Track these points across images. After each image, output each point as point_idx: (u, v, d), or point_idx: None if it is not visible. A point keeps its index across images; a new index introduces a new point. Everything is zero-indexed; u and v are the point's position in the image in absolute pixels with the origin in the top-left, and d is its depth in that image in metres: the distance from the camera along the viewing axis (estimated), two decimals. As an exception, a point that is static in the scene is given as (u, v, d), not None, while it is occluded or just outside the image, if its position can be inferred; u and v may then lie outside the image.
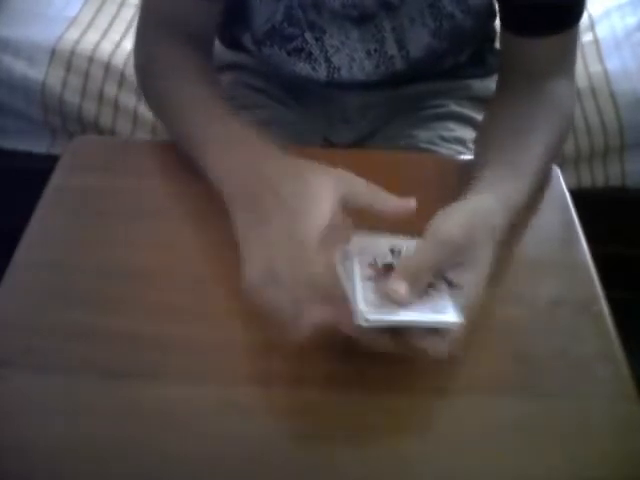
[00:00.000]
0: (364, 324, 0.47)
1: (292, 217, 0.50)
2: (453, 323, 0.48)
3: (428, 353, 0.49)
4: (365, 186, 0.53)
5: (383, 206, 0.52)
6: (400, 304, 0.48)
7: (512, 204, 0.58)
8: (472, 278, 0.51)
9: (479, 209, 0.55)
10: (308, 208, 0.50)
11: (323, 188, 0.51)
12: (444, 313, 0.49)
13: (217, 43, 0.86)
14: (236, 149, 0.59)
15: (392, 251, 0.53)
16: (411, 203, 0.52)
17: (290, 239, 0.49)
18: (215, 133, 0.62)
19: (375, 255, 0.52)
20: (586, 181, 1.26)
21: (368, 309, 0.47)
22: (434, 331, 0.48)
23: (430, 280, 0.50)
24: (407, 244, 0.53)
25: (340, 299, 0.48)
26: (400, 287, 0.48)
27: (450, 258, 0.51)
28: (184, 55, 0.70)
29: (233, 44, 0.86)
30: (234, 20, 0.81)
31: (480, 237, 0.52)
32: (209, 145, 0.61)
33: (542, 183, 0.66)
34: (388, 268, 0.51)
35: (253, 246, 0.51)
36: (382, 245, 0.53)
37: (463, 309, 0.49)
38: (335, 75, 0.79)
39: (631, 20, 1.35)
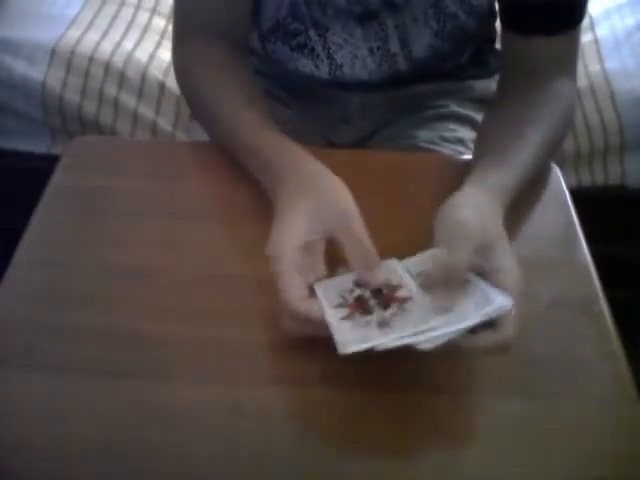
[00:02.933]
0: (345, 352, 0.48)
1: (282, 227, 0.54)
2: (500, 307, 0.48)
3: (488, 351, 0.49)
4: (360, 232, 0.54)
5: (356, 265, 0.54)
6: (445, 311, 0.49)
7: (505, 190, 0.59)
8: (503, 262, 0.52)
9: (482, 204, 0.56)
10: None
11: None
12: (486, 305, 0.48)
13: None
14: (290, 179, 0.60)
15: (358, 285, 0.54)
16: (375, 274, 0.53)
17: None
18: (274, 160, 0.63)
19: (341, 294, 0.53)
20: (586, 180, 1.26)
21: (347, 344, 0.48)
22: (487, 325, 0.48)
23: (464, 276, 0.51)
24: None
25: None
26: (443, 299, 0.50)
27: (475, 253, 0.52)
28: (222, 60, 0.71)
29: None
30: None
31: (495, 229, 0.54)
32: (269, 171, 0.63)
33: (540, 172, 0.66)
34: (361, 299, 0.53)
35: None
36: (344, 282, 0.54)
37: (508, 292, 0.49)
38: (337, 72, 0.79)
39: (631, 20, 1.35)
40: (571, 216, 0.66)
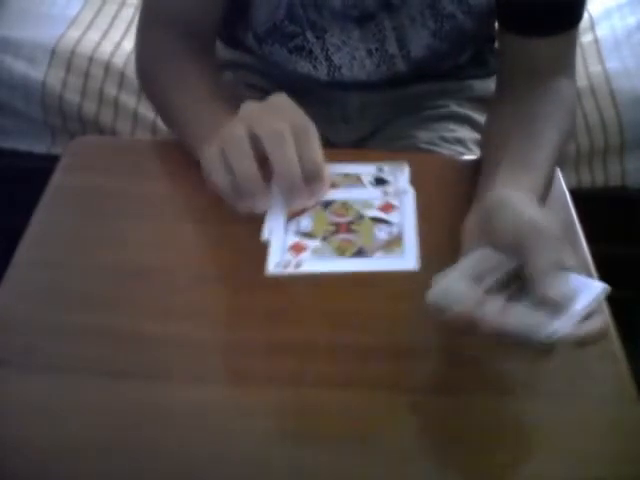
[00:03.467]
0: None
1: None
2: (598, 291, 0.48)
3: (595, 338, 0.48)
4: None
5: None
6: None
7: (538, 189, 0.58)
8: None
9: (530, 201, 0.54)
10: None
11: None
12: (588, 289, 0.48)
13: (219, 42, 0.85)
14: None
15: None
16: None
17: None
18: (207, 128, 0.63)
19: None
20: (586, 181, 1.26)
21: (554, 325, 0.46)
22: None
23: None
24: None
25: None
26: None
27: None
28: (185, 55, 0.71)
29: (233, 42, 0.86)
30: (235, 18, 0.81)
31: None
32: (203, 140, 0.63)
33: (551, 184, 0.66)
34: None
35: (217, 135, 0.58)
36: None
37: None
38: (336, 74, 0.79)
39: (631, 20, 1.35)
40: (571, 216, 0.66)
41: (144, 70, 0.75)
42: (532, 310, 0.47)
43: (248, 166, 0.56)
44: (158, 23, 0.73)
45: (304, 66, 0.79)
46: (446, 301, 0.47)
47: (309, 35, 0.76)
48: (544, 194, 0.60)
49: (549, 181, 0.62)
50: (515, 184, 0.57)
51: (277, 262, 0.57)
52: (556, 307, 0.47)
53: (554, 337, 0.46)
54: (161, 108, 0.74)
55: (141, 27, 0.75)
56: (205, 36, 0.75)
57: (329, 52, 0.77)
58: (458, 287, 0.48)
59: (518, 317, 0.47)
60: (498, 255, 0.50)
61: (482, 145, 0.76)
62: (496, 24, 0.81)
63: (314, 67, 0.79)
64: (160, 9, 0.73)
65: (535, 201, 0.55)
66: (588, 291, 0.48)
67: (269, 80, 0.86)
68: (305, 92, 0.85)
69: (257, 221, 0.62)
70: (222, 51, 0.87)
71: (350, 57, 0.77)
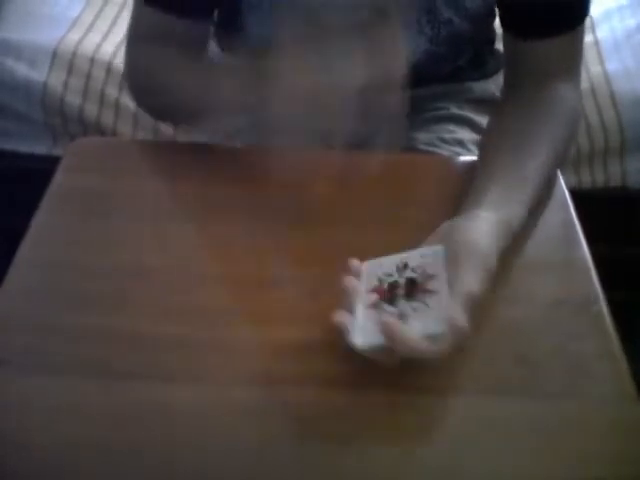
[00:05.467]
0: (359, 347, 0.50)
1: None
2: (434, 333, 0.50)
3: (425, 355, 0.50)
4: None
5: None
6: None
7: (511, 230, 0.59)
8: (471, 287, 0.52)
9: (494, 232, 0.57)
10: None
11: None
12: (429, 323, 0.50)
13: (215, 46, 0.85)
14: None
15: (397, 267, 0.55)
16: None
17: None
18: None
19: (380, 276, 0.55)
20: (586, 181, 1.26)
21: (361, 335, 0.50)
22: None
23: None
24: (411, 255, 0.55)
25: None
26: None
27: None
28: (178, 55, 0.70)
29: (231, 48, 0.86)
30: (233, 32, 0.81)
31: (466, 262, 0.54)
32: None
33: (546, 191, 0.67)
34: (393, 286, 0.54)
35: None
36: (389, 264, 0.56)
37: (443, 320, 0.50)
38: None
39: (631, 22, 1.35)
40: (571, 216, 0.66)
41: (137, 84, 0.74)
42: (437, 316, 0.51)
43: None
44: (147, 38, 0.71)
45: None
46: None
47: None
48: (533, 209, 0.62)
49: (539, 196, 0.64)
50: (497, 208, 0.59)
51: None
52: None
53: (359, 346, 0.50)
54: (166, 101, 0.71)
55: (130, 44, 0.74)
56: (194, 50, 0.73)
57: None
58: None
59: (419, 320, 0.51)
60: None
61: (479, 146, 0.76)
62: (496, 24, 0.81)
63: None
64: (149, 26, 0.71)
65: (505, 228, 0.58)
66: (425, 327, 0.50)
67: None
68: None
69: (258, 221, 0.62)
70: (221, 57, 0.87)
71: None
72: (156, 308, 0.57)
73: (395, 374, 0.52)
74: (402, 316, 0.51)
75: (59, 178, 0.68)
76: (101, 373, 0.52)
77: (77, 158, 0.72)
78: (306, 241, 0.61)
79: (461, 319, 0.50)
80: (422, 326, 0.50)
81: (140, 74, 0.74)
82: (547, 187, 0.67)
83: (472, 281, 0.52)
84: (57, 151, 1.25)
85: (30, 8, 1.33)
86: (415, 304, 0.52)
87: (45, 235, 0.63)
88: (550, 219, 0.66)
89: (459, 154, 0.82)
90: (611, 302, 0.58)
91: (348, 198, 0.65)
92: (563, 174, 0.70)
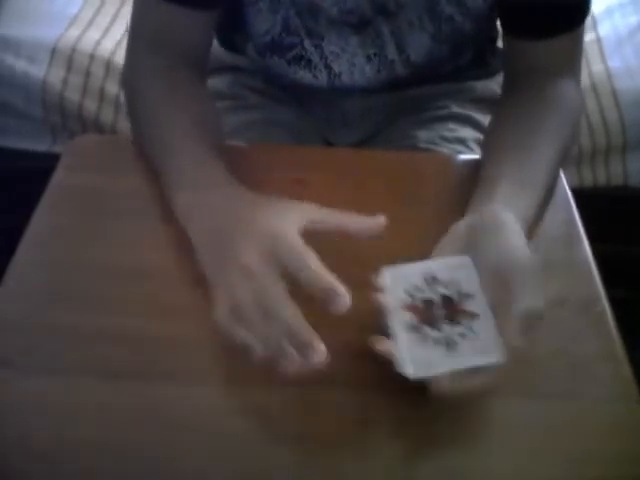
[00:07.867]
0: (411, 378, 0.48)
1: (260, 247, 0.51)
2: (494, 363, 0.49)
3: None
4: (330, 212, 0.54)
5: (351, 226, 0.53)
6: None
7: (527, 227, 0.58)
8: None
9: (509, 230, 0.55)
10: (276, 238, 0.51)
11: (288, 220, 0.52)
12: (485, 352, 0.49)
13: (216, 45, 0.85)
14: (205, 193, 0.60)
15: (426, 280, 0.53)
16: (379, 220, 0.53)
17: (257, 272, 0.50)
18: (187, 179, 0.62)
19: (408, 289, 0.52)
20: (588, 180, 1.26)
21: (411, 365, 0.48)
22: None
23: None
24: (438, 267, 0.53)
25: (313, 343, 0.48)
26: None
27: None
28: (174, 78, 0.69)
29: (233, 48, 0.86)
30: (235, 30, 0.80)
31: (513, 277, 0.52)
32: (180, 190, 0.61)
33: (552, 190, 0.66)
34: (428, 304, 0.52)
35: (220, 285, 0.52)
36: (413, 274, 0.53)
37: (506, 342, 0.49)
38: (336, 81, 0.79)
39: (633, 19, 1.35)
40: (573, 216, 0.66)
41: (130, 87, 0.73)
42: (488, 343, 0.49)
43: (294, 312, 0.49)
44: (149, 41, 0.70)
45: (304, 76, 0.79)
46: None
47: (307, 44, 0.76)
48: (542, 208, 0.62)
49: (547, 194, 0.63)
50: (511, 204, 0.58)
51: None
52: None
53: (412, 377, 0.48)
54: (140, 133, 0.70)
55: (131, 44, 0.73)
56: (196, 55, 0.73)
57: (328, 60, 0.77)
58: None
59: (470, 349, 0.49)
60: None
61: (482, 146, 0.76)
62: (497, 24, 0.81)
63: (314, 76, 0.78)
64: (151, 28, 0.71)
65: (523, 226, 0.57)
66: (479, 355, 0.49)
67: (270, 84, 0.86)
68: (306, 96, 0.85)
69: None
70: (222, 54, 0.86)
71: (349, 64, 0.77)
72: (156, 308, 0.57)
73: (395, 375, 0.52)
74: (450, 344, 0.50)
75: (58, 176, 0.68)
76: (101, 373, 0.52)
77: (77, 156, 0.72)
78: (306, 241, 0.61)
79: (518, 341, 0.49)
80: (478, 359, 0.48)
81: (129, 90, 0.73)
82: (554, 185, 0.66)
83: (528, 298, 0.51)
84: (56, 148, 1.24)
85: (30, 5, 1.33)
86: (459, 329, 0.50)
87: (44, 234, 0.63)
88: (552, 218, 0.66)
89: (460, 152, 0.82)
90: (612, 301, 0.58)
91: (349, 197, 0.65)
92: (565, 173, 0.70)
